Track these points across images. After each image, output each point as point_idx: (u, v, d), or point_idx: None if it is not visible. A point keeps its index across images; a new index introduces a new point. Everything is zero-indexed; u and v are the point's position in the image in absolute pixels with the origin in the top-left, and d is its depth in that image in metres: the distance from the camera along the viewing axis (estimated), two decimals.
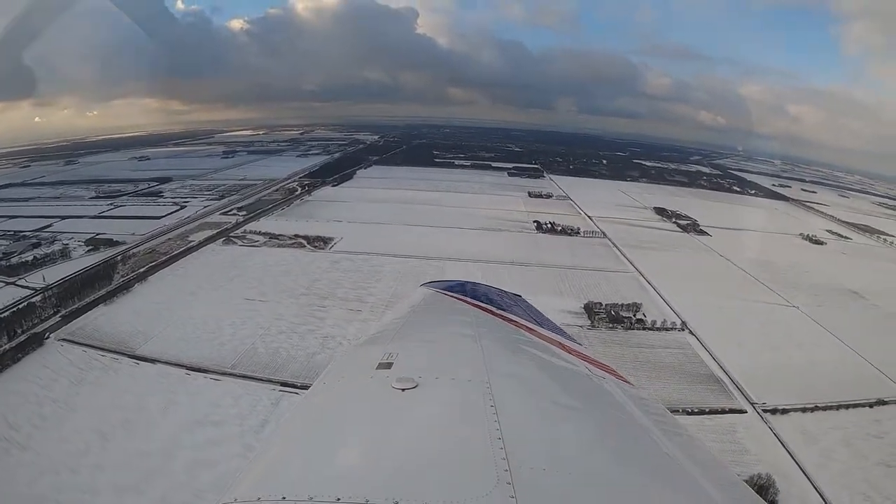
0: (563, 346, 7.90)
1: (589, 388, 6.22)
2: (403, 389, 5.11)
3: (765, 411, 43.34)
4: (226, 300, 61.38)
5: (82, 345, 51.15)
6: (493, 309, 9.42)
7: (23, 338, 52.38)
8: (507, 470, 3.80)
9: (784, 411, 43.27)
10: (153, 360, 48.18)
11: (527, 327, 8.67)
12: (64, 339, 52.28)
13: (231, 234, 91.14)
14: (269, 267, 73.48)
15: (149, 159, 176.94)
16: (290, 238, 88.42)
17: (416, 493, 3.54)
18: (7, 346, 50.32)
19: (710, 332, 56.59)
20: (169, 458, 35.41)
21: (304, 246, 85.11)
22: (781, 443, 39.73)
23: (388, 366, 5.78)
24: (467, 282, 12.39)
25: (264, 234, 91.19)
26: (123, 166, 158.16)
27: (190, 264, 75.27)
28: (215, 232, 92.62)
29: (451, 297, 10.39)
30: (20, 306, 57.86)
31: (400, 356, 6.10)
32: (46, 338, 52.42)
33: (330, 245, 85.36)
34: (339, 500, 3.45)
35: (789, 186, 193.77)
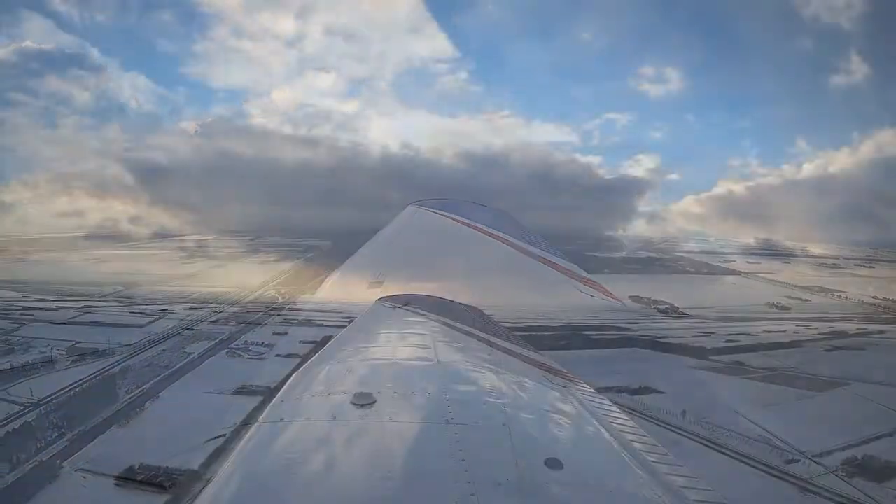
0: (550, 263, 8.37)
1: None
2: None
3: None
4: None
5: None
6: (482, 227, 9.80)
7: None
8: None
9: None
10: None
11: (512, 244, 9.24)
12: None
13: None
14: None
15: (103, 261, 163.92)
16: None
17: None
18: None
19: None
20: None
21: None
22: None
23: (379, 284, 6.25)
24: (457, 201, 13.05)
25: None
26: (76, 266, 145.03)
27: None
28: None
29: (440, 215, 10.80)
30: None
31: (390, 275, 6.51)
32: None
33: None
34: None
35: (734, 261, 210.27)
